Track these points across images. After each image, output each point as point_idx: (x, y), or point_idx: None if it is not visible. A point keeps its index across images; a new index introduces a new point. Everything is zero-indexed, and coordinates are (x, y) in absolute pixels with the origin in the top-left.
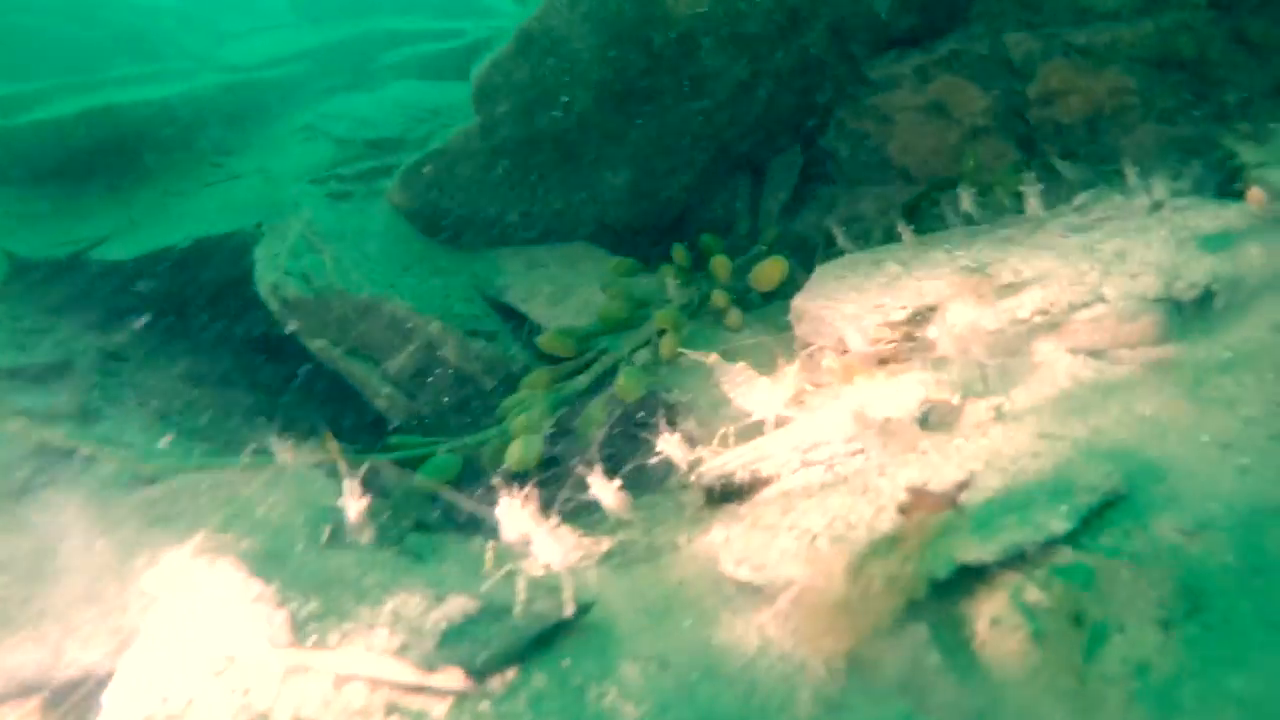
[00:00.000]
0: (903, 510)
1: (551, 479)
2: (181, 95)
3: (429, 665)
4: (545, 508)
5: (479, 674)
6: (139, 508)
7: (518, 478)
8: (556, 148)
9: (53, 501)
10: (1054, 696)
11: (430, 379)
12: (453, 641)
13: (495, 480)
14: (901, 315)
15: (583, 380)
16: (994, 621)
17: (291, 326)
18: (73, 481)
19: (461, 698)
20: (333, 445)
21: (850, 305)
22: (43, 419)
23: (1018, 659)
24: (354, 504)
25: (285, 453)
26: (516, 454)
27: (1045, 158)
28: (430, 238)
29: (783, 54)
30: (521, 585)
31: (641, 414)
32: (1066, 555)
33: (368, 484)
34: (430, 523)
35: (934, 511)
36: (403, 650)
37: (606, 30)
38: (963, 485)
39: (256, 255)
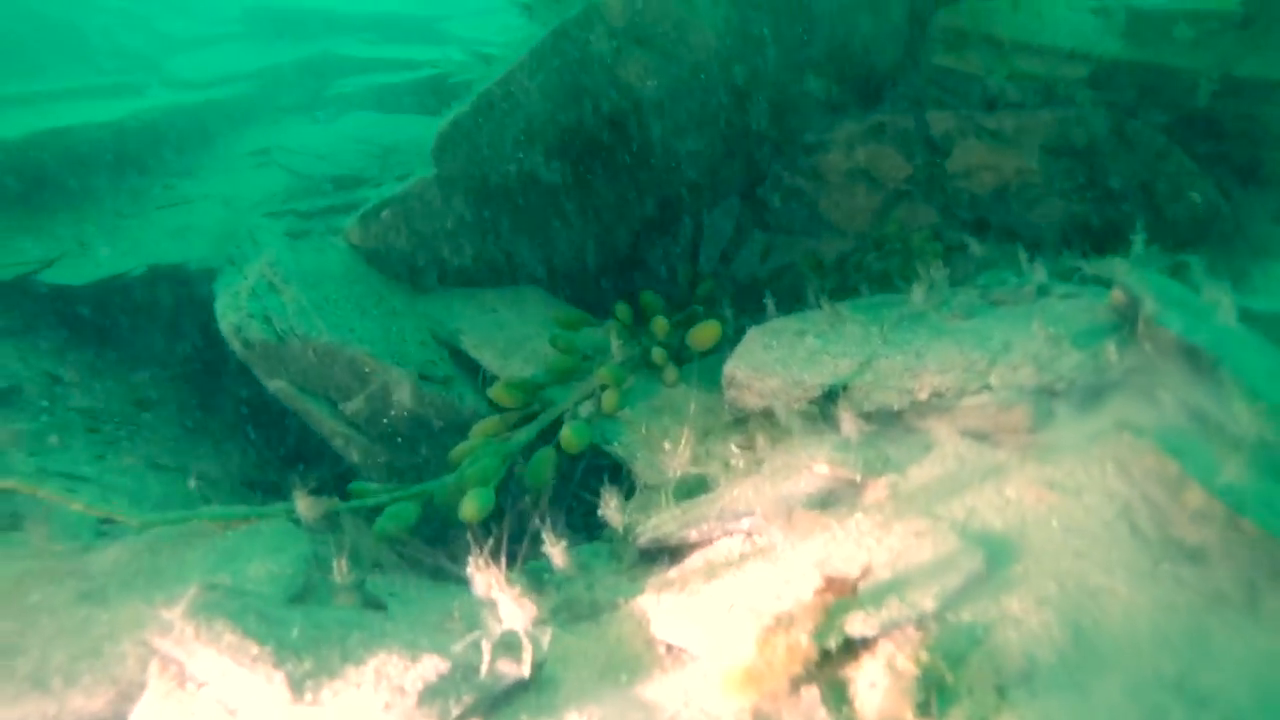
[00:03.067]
0: (817, 592)
1: (503, 528)
2: (134, 116)
3: None
4: (504, 559)
5: None
6: (125, 558)
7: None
8: (509, 200)
9: (34, 544)
10: None
11: (385, 420)
12: (429, 699)
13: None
14: (818, 392)
15: (530, 430)
16: (871, 685)
17: (252, 365)
18: (42, 523)
19: None
20: (308, 501)
21: (775, 379)
22: None
23: (889, 715)
24: (340, 564)
25: (303, 504)
26: (470, 506)
27: (960, 221)
28: (386, 278)
29: (726, 124)
30: (486, 649)
31: (583, 466)
32: (932, 629)
33: (327, 531)
34: (387, 566)
35: (839, 594)
36: (387, 708)
37: (561, 97)
38: (866, 572)
39: (216, 290)
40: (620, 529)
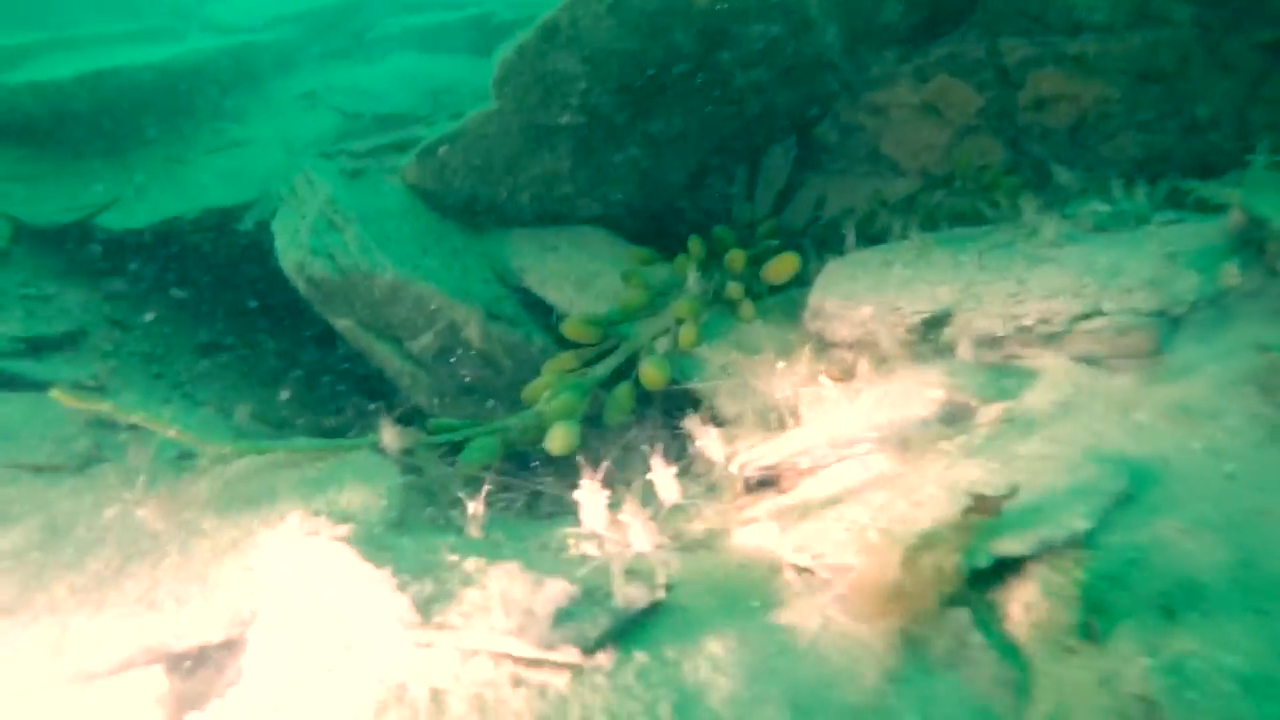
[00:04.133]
0: (965, 512)
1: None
2: (179, 58)
3: (547, 645)
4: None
5: (589, 651)
6: (217, 487)
7: (559, 460)
8: (571, 135)
9: (121, 475)
10: (1078, 672)
11: (453, 359)
12: (563, 622)
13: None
14: (917, 319)
15: (606, 366)
16: (1026, 607)
17: (317, 304)
18: (136, 455)
19: (578, 671)
20: (394, 432)
21: (868, 306)
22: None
23: (1046, 640)
24: (474, 503)
25: (390, 434)
26: (559, 440)
27: (1032, 158)
28: (443, 217)
29: (794, 54)
30: (618, 570)
31: (665, 402)
32: (1086, 550)
33: (410, 467)
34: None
35: (985, 514)
36: (521, 631)
37: (628, 23)
38: (1013, 492)
39: (275, 229)
40: (720, 461)
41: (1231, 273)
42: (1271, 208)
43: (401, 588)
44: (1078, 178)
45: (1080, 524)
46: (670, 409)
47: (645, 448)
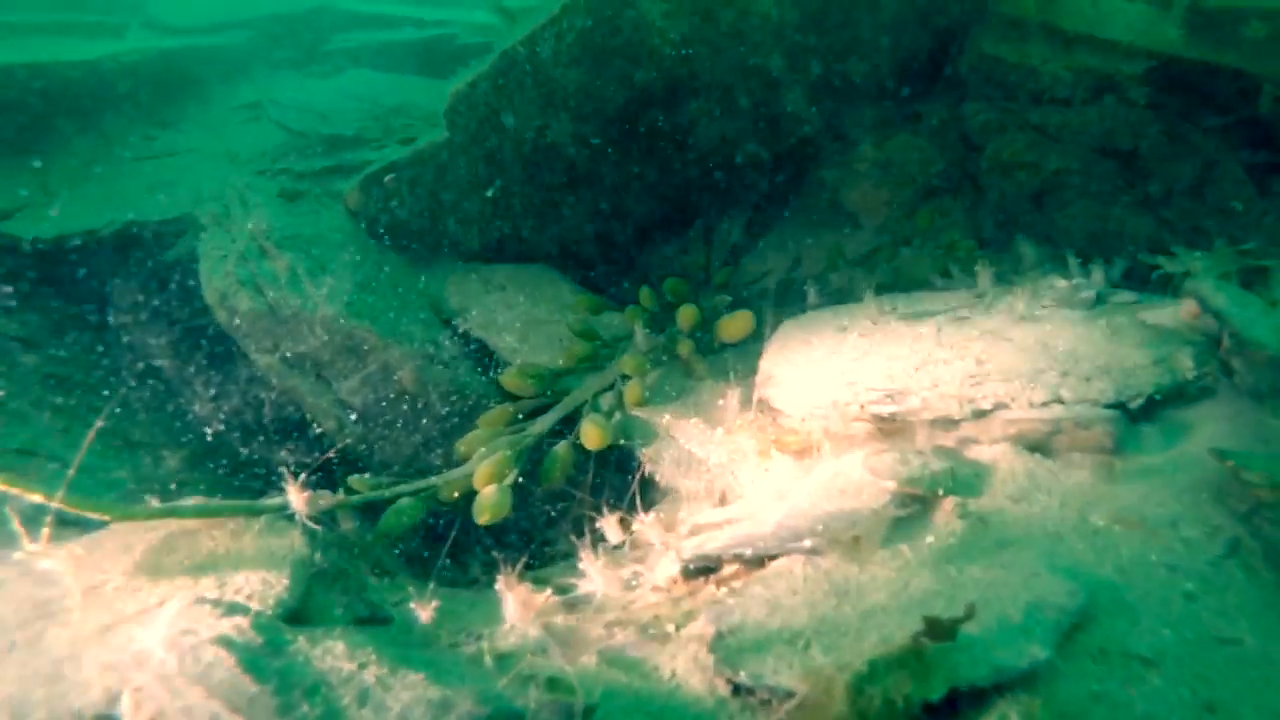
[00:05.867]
0: (916, 636)
1: (522, 534)
2: (113, 57)
3: None
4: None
5: None
6: (84, 560)
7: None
8: (525, 171)
9: None
10: None
11: (383, 404)
12: None
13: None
14: (872, 397)
15: (545, 423)
16: None
17: (239, 338)
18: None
19: None
20: (302, 494)
21: (821, 379)
22: None
23: None
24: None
25: (299, 498)
26: (487, 510)
27: (990, 223)
28: (384, 247)
29: (758, 106)
30: (533, 695)
31: (607, 463)
32: (1046, 682)
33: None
34: (389, 567)
35: (938, 640)
36: None
37: (590, 60)
38: (968, 616)
39: (200, 252)
40: (658, 545)
41: (1186, 365)
42: (1226, 299)
43: (283, 711)
44: (1035, 249)
45: (1039, 653)
46: (613, 470)
47: (571, 533)
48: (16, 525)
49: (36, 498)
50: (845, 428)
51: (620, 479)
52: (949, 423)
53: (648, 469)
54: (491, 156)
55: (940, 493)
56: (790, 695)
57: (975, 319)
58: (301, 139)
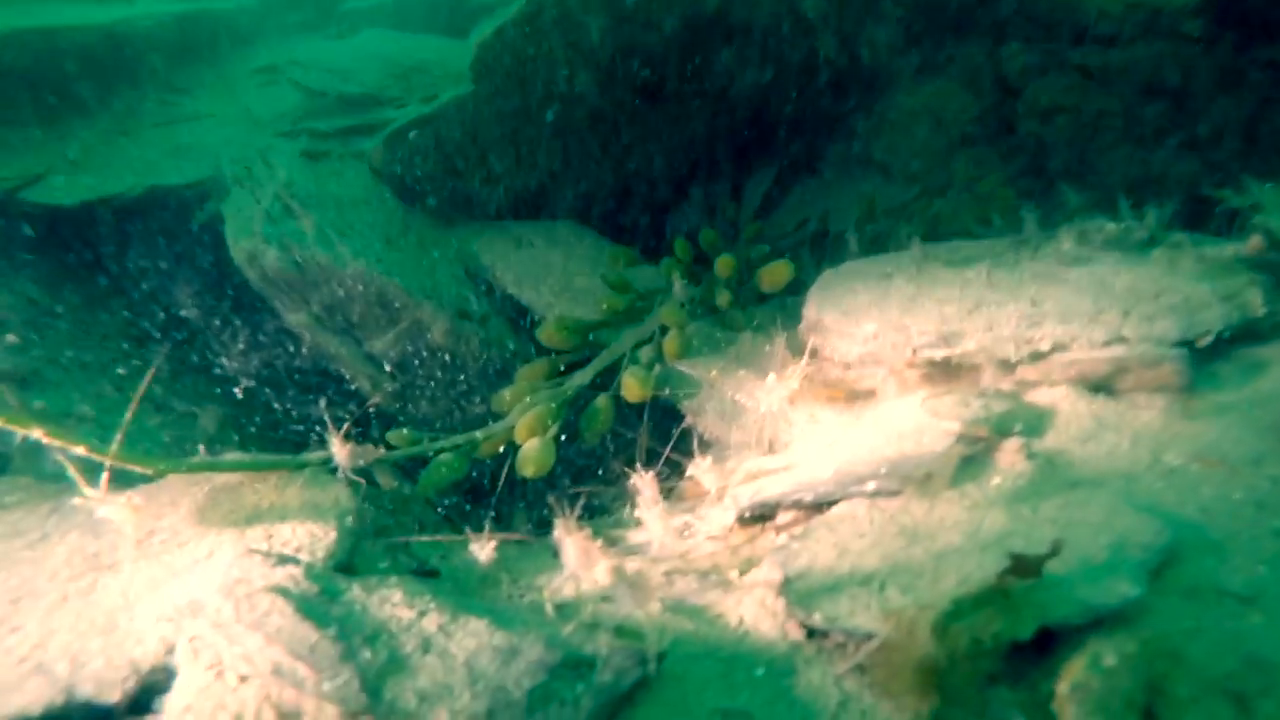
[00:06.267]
0: (1001, 574)
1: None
2: (127, 21)
3: None
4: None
5: None
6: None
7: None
8: (551, 125)
9: (24, 494)
10: None
11: (417, 362)
12: (541, 707)
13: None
14: (924, 340)
15: (585, 375)
16: (1075, 688)
17: (270, 297)
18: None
19: None
20: (345, 447)
21: (871, 324)
22: None
23: None
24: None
25: (342, 451)
26: (531, 462)
27: (1031, 169)
28: (411, 206)
29: (792, 52)
30: (605, 637)
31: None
32: (1139, 622)
33: (365, 488)
34: (429, 524)
35: (1024, 577)
36: (491, 718)
37: (618, 7)
38: (1054, 552)
39: (226, 214)
40: (713, 492)
41: (1256, 302)
42: None
43: (347, 656)
44: (1077, 195)
45: (1129, 589)
46: (653, 424)
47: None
48: (73, 472)
49: (81, 450)
50: (899, 372)
51: (658, 437)
52: (1006, 365)
53: (690, 421)
54: (518, 110)
55: (1007, 434)
56: (869, 637)
57: (1024, 262)
58: (322, 99)
